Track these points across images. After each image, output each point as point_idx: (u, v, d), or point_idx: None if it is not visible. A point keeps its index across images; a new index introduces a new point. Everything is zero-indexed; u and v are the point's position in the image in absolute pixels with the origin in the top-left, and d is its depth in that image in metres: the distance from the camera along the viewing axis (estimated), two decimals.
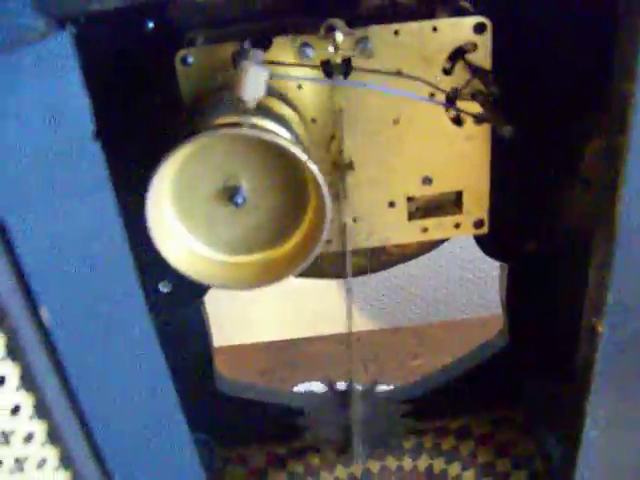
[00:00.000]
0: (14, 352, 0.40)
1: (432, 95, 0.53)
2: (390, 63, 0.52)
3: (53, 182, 0.38)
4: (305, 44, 0.50)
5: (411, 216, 0.59)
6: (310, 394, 0.79)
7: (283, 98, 0.52)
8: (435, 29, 0.51)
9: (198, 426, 0.61)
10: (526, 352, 0.69)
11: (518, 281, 0.66)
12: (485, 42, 0.51)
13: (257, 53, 0.46)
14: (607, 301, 0.51)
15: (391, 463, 0.72)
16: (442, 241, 0.62)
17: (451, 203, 0.59)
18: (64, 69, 0.37)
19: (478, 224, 0.59)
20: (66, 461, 0.50)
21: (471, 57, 0.52)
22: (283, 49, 0.50)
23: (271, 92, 0.51)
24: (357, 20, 0.50)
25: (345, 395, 0.65)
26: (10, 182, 0.36)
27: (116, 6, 0.35)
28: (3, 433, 0.44)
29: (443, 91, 0.53)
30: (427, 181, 0.57)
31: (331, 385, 0.67)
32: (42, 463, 0.48)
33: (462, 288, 1.20)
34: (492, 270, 0.71)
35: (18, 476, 0.47)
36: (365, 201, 0.57)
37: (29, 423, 0.46)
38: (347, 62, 0.51)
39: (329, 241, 0.58)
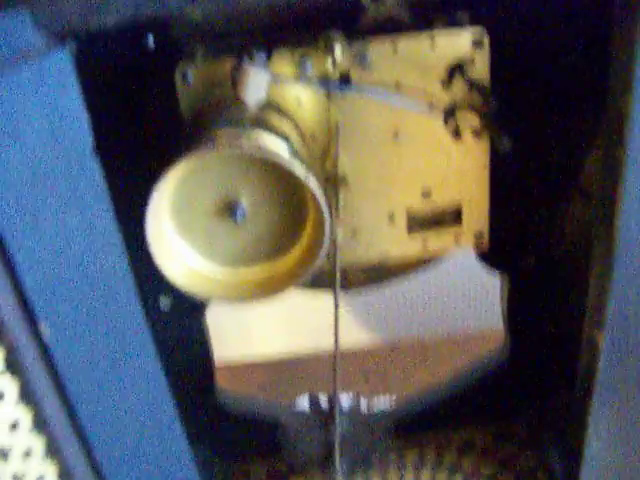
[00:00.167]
0: (13, 366, 0.40)
1: (431, 108, 0.53)
2: (388, 76, 0.52)
3: (52, 198, 0.38)
4: (304, 57, 0.50)
5: (410, 229, 0.59)
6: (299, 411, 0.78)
7: (282, 113, 0.52)
8: (433, 43, 0.51)
9: (198, 440, 0.61)
10: (527, 365, 0.69)
11: (518, 293, 0.66)
12: (483, 56, 0.52)
13: (260, 56, 0.46)
14: (607, 312, 0.51)
15: (392, 477, 0.72)
16: (442, 254, 0.62)
17: (451, 216, 0.59)
18: (64, 85, 0.37)
19: (478, 237, 0.59)
20: (65, 477, 0.50)
21: (469, 71, 0.52)
22: (282, 62, 0.51)
23: (270, 107, 0.51)
24: (355, 33, 0.51)
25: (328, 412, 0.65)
26: (10, 197, 0.36)
27: (115, 22, 0.35)
28: (2, 449, 0.44)
29: (441, 104, 0.53)
30: (426, 194, 0.57)
31: (315, 402, 0.66)
32: (41, 479, 0.48)
33: (463, 301, 1.19)
34: (492, 283, 0.71)
35: None
36: (364, 214, 0.57)
37: (28, 438, 0.46)
38: (346, 75, 0.51)
39: (329, 255, 0.58)
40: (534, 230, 0.61)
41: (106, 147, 0.41)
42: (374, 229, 0.58)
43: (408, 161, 0.56)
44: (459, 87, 0.53)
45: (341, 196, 0.55)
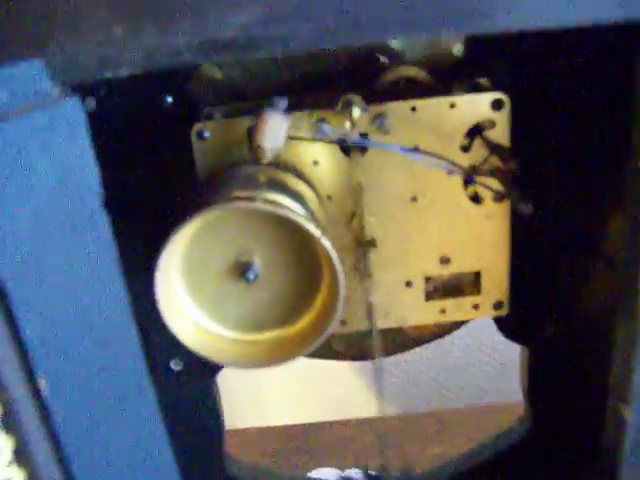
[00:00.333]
0: (8, 423, 0.39)
1: (450, 173, 0.52)
2: (407, 140, 0.51)
3: (58, 250, 0.37)
4: (322, 120, 0.50)
5: (429, 296, 0.57)
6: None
7: (298, 174, 0.52)
8: (452, 106, 0.50)
9: None
10: (549, 438, 0.67)
11: (539, 365, 0.64)
12: (503, 118, 0.51)
13: (280, 102, 0.45)
14: (633, 384, 0.49)
15: None
16: (461, 323, 0.61)
17: (470, 283, 0.57)
18: (75, 136, 0.36)
19: (497, 305, 0.58)
20: None
21: (489, 134, 0.51)
22: (299, 124, 0.50)
23: (286, 168, 0.51)
24: (374, 96, 0.50)
25: None
26: (12, 247, 0.35)
27: (130, 74, 0.35)
28: None
29: (461, 168, 0.52)
30: (445, 260, 0.56)
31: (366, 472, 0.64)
32: None
33: (482, 372, 1.17)
34: (513, 354, 0.69)
35: None
36: (382, 280, 0.56)
37: None
38: (364, 135, 0.51)
39: (344, 322, 0.57)
40: (556, 300, 0.59)
41: (117, 202, 0.40)
42: (391, 295, 0.57)
43: (427, 226, 0.55)
44: (479, 152, 0.52)
45: (370, 258, 0.54)
